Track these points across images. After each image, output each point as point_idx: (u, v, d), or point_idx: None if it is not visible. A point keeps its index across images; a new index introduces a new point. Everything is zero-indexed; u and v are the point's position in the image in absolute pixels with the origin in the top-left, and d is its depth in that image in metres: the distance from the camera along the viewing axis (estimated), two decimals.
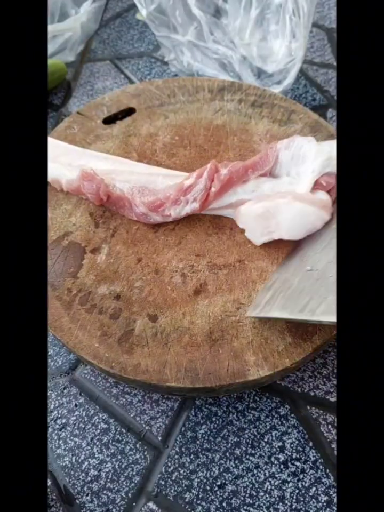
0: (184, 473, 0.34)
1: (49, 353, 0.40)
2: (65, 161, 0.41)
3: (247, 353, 0.32)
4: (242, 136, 0.44)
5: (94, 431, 0.36)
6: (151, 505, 0.33)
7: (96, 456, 0.35)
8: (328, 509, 0.32)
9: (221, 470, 0.34)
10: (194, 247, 0.37)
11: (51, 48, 0.59)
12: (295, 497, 0.33)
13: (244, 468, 0.34)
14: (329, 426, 0.35)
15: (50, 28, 0.58)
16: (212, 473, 0.34)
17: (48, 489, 0.34)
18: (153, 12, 0.52)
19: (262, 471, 0.34)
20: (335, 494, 0.33)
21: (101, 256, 0.37)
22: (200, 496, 0.33)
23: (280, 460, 0.34)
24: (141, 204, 0.37)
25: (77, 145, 0.44)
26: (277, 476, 0.34)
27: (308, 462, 0.34)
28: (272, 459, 0.34)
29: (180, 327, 0.33)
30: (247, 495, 0.33)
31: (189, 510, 0.33)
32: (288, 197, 0.34)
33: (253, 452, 0.35)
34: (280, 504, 0.33)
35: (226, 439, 0.35)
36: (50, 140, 0.43)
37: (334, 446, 0.35)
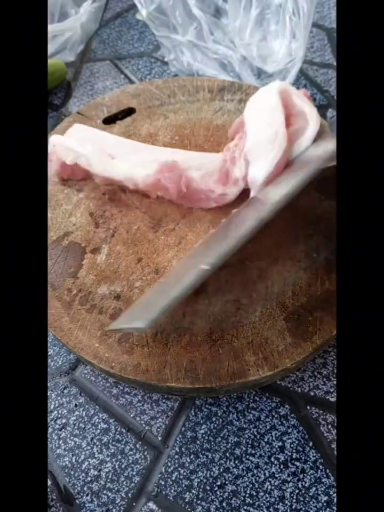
0: (184, 473, 0.34)
1: (49, 353, 0.40)
2: (137, 158, 0.40)
3: (247, 353, 0.32)
4: None
5: (94, 431, 0.36)
6: (151, 505, 0.33)
7: (96, 456, 0.35)
8: (328, 509, 0.32)
9: (221, 470, 0.34)
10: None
11: (51, 48, 0.59)
12: (295, 497, 0.33)
13: (244, 468, 0.34)
14: (329, 426, 0.35)
15: (50, 28, 0.58)
16: (212, 473, 0.34)
17: (48, 489, 0.34)
18: (153, 12, 0.52)
19: (262, 471, 0.34)
20: (335, 494, 0.33)
21: (101, 256, 0.37)
22: (200, 496, 0.33)
23: (280, 460, 0.34)
24: (217, 183, 0.37)
25: None
26: (277, 476, 0.34)
27: (308, 462, 0.34)
28: (272, 459, 0.34)
29: (180, 327, 0.33)
30: (247, 495, 0.33)
31: (189, 510, 0.33)
32: None
33: (253, 451, 0.35)
34: (280, 504, 0.33)
35: (226, 439, 0.35)
36: (117, 138, 0.43)
37: (334, 446, 0.35)
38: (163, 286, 0.32)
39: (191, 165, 0.39)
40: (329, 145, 0.36)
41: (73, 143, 0.40)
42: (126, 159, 0.40)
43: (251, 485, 0.33)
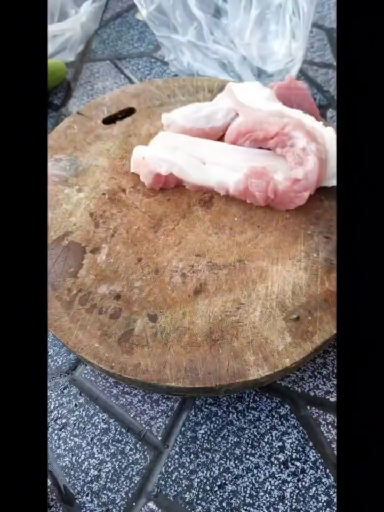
0: (184, 473, 0.34)
1: (49, 353, 0.40)
2: (230, 162, 0.40)
3: (247, 353, 0.32)
4: None
5: (94, 431, 0.36)
6: (151, 505, 0.33)
7: (96, 456, 0.35)
8: (328, 509, 0.32)
9: (221, 470, 0.34)
10: (194, 247, 0.37)
11: (51, 48, 0.59)
12: (295, 497, 0.33)
13: (244, 468, 0.34)
14: (329, 426, 0.35)
15: (50, 27, 0.58)
16: (212, 473, 0.34)
17: (48, 489, 0.34)
18: (153, 12, 0.52)
19: (262, 471, 0.34)
20: (335, 494, 0.33)
21: (101, 256, 0.37)
22: (200, 496, 0.33)
23: (280, 460, 0.34)
24: (295, 182, 0.37)
25: (76, 145, 0.44)
26: (277, 475, 0.34)
27: (308, 462, 0.34)
28: (272, 459, 0.34)
29: (180, 327, 0.33)
30: (247, 495, 0.33)
31: (189, 510, 0.33)
32: None
33: (253, 451, 0.35)
34: (280, 504, 0.33)
35: (226, 439, 0.35)
36: (204, 141, 0.42)
37: (334, 446, 0.35)
38: None
39: (278, 169, 0.38)
40: None
41: (165, 153, 0.40)
42: (216, 163, 0.40)
43: (251, 485, 0.33)
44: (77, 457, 0.35)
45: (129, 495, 0.34)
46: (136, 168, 0.41)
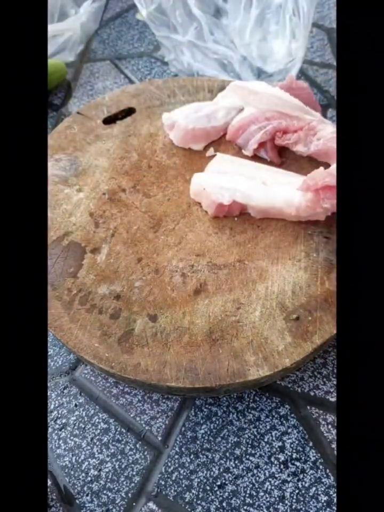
0: (184, 473, 0.34)
1: (49, 353, 0.40)
2: (288, 180, 0.38)
3: (247, 353, 0.32)
4: None
5: (94, 431, 0.36)
6: (151, 505, 0.33)
7: (96, 456, 0.35)
8: (328, 509, 0.32)
9: (221, 470, 0.34)
10: (194, 247, 0.37)
11: (51, 48, 0.59)
12: (295, 497, 0.33)
13: (244, 468, 0.34)
14: (329, 426, 0.35)
15: (50, 27, 0.58)
16: (212, 473, 0.34)
17: (48, 489, 0.34)
18: (153, 12, 0.52)
19: (262, 471, 0.34)
20: (335, 494, 0.33)
21: (101, 256, 0.37)
22: (200, 496, 0.33)
23: (280, 460, 0.34)
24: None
25: (76, 145, 0.44)
26: (277, 475, 0.34)
27: (308, 462, 0.34)
28: (272, 459, 0.34)
29: (180, 327, 0.33)
30: (247, 495, 0.33)
31: (189, 510, 0.33)
32: None
33: (253, 451, 0.35)
34: (280, 504, 0.33)
35: (226, 439, 0.35)
36: (260, 166, 0.40)
37: (334, 446, 0.35)
38: None
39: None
40: None
41: (225, 180, 0.38)
42: (278, 182, 0.38)
43: (251, 485, 0.33)
44: (77, 457, 0.35)
45: (129, 495, 0.34)
46: (196, 196, 0.40)
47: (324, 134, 0.37)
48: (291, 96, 0.40)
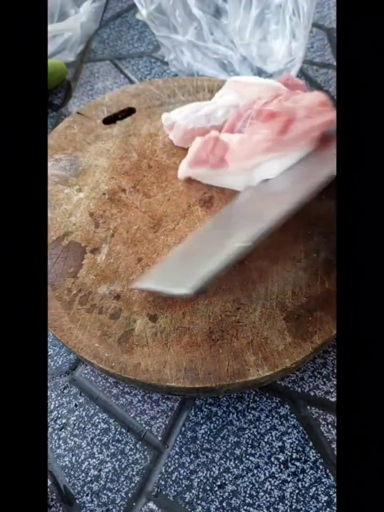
0: (184, 473, 0.34)
1: (49, 353, 0.40)
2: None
3: (247, 353, 0.32)
4: None
5: (94, 431, 0.36)
6: (151, 505, 0.33)
7: (96, 456, 0.35)
8: (328, 509, 0.32)
9: (221, 470, 0.34)
10: None
11: (51, 48, 0.59)
12: (295, 497, 0.33)
13: (244, 468, 0.34)
14: (329, 426, 0.35)
15: (50, 27, 0.58)
16: (212, 473, 0.34)
17: (48, 489, 0.34)
18: (153, 12, 0.52)
19: (262, 471, 0.34)
20: (335, 494, 0.33)
21: (101, 256, 0.37)
22: (200, 496, 0.33)
23: (280, 460, 0.34)
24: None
25: (76, 145, 0.44)
26: (277, 476, 0.34)
27: (308, 462, 0.34)
28: (272, 459, 0.34)
29: (180, 327, 0.33)
30: (247, 495, 0.33)
31: (189, 510, 0.33)
32: None
33: (253, 451, 0.35)
34: (280, 504, 0.33)
35: (226, 439, 0.35)
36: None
37: (334, 446, 0.35)
38: (189, 256, 0.33)
39: None
40: None
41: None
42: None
43: (251, 485, 0.33)
44: (77, 457, 0.35)
45: (129, 495, 0.34)
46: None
47: (306, 95, 0.38)
48: (280, 83, 0.41)
